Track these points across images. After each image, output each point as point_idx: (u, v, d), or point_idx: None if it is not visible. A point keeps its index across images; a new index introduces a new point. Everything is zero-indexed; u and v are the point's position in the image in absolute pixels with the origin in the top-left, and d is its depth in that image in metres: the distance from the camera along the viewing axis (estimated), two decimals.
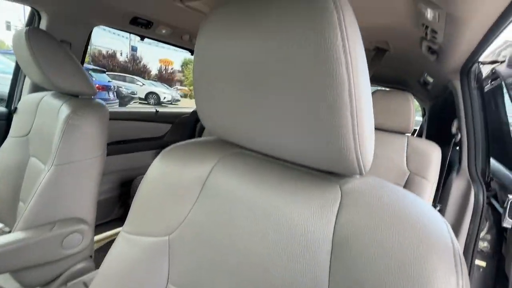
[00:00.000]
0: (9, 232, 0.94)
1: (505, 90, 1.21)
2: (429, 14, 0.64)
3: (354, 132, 0.26)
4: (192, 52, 1.68)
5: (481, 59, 0.98)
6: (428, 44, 0.91)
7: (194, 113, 1.99)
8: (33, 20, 1.08)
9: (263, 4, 0.29)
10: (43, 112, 0.92)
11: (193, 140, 0.52)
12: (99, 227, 1.55)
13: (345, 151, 0.27)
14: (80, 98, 0.89)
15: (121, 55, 16.74)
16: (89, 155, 0.82)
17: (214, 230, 0.42)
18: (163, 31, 1.29)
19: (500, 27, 0.61)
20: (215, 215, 0.42)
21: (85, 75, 0.90)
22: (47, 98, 0.94)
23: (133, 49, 18.05)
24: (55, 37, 1.09)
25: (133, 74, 12.14)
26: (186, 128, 1.93)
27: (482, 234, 1.08)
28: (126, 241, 0.47)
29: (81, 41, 1.17)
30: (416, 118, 1.29)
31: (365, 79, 0.25)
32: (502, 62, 1.05)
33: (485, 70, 1.16)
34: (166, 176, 0.46)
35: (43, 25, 1.07)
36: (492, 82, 1.21)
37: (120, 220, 1.65)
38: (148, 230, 0.46)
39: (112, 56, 15.47)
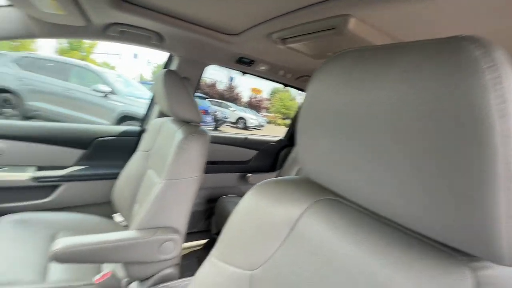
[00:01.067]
0: (126, 226, 1.16)
1: None
2: None
3: (508, 214, 0.20)
4: (284, 85, 1.78)
5: None
6: None
7: (280, 141, 2.05)
8: (168, 62, 1.40)
9: (384, 56, 0.28)
10: (163, 133, 1.14)
11: (286, 178, 0.52)
12: (185, 236, 1.73)
13: (490, 234, 0.21)
14: (190, 125, 1.07)
15: (220, 84, 19.44)
16: (190, 175, 0.95)
17: (298, 278, 0.40)
18: (262, 68, 1.42)
19: None
20: (301, 262, 0.40)
21: (196, 106, 1.07)
22: (167, 123, 1.16)
23: (230, 79, 20.69)
24: (181, 74, 1.37)
25: (227, 101, 13.78)
26: (270, 155, 2.00)
27: None
28: (213, 265, 0.50)
29: (197, 77, 1.42)
30: None
31: None
32: None
33: None
34: (256, 211, 0.47)
35: (174, 65, 1.37)
36: None
37: (202, 233, 1.80)
38: (233, 260, 0.48)
39: (213, 85, 18.12)
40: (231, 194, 1.81)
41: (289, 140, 2.06)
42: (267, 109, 21.00)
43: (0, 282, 0.74)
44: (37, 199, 1.22)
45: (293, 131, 2.10)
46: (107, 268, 0.92)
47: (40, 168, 1.25)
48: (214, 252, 0.52)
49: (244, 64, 1.36)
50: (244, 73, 1.58)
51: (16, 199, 1.17)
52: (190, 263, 1.65)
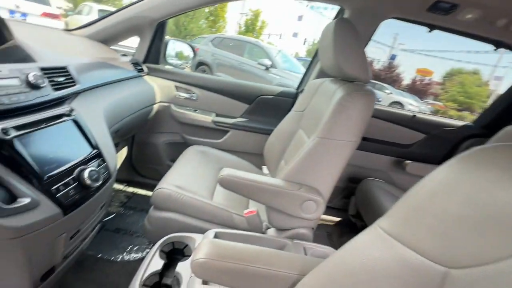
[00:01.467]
0: None
1: None
2: None
3: None
4: (496, 45, 1.22)
5: None
6: None
7: (465, 128, 1.51)
8: (338, 14, 1.28)
9: None
10: (320, 93, 1.07)
11: None
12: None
13: None
14: (354, 83, 0.93)
15: (377, 63, 17.23)
16: (346, 137, 0.84)
17: None
18: (468, 16, 1.01)
19: None
20: None
21: (366, 63, 0.91)
22: (326, 83, 1.07)
23: (392, 57, 17.79)
24: None
25: (384, 82, 12.09)
26: (445, 144, 1.52)
27: None
28: (381, 239, 0.38)
29: (369, 33, 1.21)
30: None
31: None
32: None
33: None
34: (473, 189, 0.31)
35: None
36: None
37: (337, 211, 1.69)
38: (416, 244, 0.34)
39: (369, 64, 16.32)
40: (378, 178, 1.56)
41: (484, 128, 1.47)
42: (436, 95, 16.70)
43: (186, 189, 0.98)
44: (214, 138, 1.53)
45: (494, 117, 1.47)
46: (253, 207, 1.02)
47: (218, 115, 1.55)
48: (383, 224, 0.40)
49: (440, 11, 1.01)
50: (432, 28, 1.20)
51: (201, 135, 1.53)
52: (320, 235, 1.61)
